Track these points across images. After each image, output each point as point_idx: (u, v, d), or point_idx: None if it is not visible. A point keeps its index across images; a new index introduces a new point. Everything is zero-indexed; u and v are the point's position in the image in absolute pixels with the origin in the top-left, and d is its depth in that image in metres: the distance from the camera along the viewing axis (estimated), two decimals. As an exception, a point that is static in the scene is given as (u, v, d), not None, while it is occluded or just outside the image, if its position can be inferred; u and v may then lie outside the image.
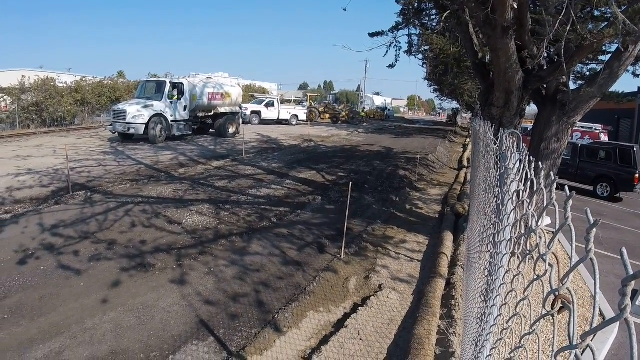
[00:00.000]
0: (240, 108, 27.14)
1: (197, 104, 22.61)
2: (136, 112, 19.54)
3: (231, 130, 25.04)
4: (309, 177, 14.46)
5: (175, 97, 21.29)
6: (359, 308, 5.70)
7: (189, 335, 4.83)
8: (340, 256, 7.51)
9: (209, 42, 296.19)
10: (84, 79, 28.30)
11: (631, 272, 0.71)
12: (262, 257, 7.30)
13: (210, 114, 24.13)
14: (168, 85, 20.96)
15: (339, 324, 5.35)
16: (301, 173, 14.98)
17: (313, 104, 52.85)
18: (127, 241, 7.49)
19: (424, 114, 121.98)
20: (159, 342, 4.67)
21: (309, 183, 13.43)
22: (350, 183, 8.33)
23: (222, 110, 24.59)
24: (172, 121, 21.09)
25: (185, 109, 21.90)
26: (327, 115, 46.92)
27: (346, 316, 5.55)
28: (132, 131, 19.61)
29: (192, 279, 6.23)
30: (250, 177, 13.64)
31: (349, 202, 7.87)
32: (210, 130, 25.18)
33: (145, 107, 19.95)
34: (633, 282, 0.70)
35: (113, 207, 9.37)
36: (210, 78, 24.96)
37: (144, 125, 19.66)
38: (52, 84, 25.11)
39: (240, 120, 26.77)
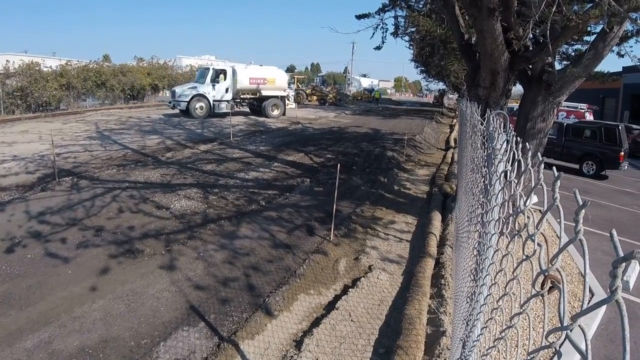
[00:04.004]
0: (285, 91, 30.00)
1: (240, 87, 26.38)
2: (182, 92, 24.38)
3: (275, 112, 28.00)
4: (297, 159, 14.43)
5: (217, 81, 25.21)
6: (350, 289, 5.74)
7: (179, 321, 4.83)
8: (330, 238, 7.53)
9: (196, 24, 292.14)
10: (69, 63, 27.82)
11: (621, 253, 0.71)
12: (252, 240, 7.29)
13: (255, 96, 27.61)
14: (211, 71, 25.23)
15: (330, 306, 5.38)
16: (289, 155, 14.93)
17: (300, 86, 52.47)
18: (114, 227, 7.43)
19: (411, 95, 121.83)
20: (150, 329, 4.66)
21: (297, 165, 13.40)
22: (339, 165, 8.32)
23: (265, 93, 27.61)
24: (214, 101, 25.25)
25: (227, 91, 25.93)
26: (315, 98, 46.71)
27: (337, 298, 5.59)
28: (177, 107, 24.49)
29: (181, 264, 6.21)
30: (238, 161, 13.57)
31: (337, 183, 7.86)
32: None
33: (190, 88, 24.71)
34: (624, 264, 0.70)
35: (100, 192, 9.28)
36: (228, 63, 27.26)
37: (187, 103, 24.17)
38: (36, 68, 24.68)
39: (286, 102, 29.59)
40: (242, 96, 27.16)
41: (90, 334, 4.49)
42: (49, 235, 6.98)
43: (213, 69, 25.52)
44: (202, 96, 24.74)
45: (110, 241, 6.85)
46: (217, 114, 25.76)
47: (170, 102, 25.17)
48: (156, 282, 5.68)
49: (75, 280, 5.58)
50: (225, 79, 25.60)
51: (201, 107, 24.69)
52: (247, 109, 28.58)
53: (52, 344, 4.31)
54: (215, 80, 25.15)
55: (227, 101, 25.94)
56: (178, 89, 24.71)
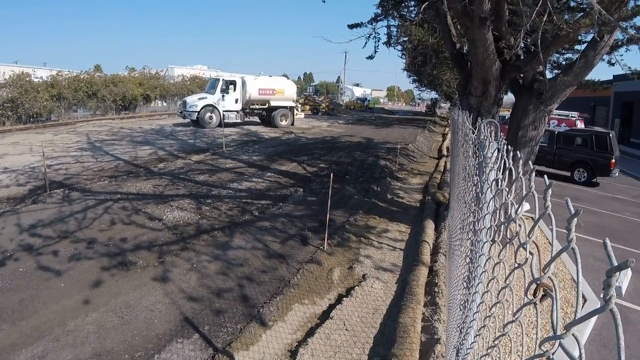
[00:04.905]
0: (295, 102, 30.78)
1: (249, 97, 27.03)
2: (192, 103, 25.19)
3: (284, 122, 28.62)
4: (290, 169, 14.43)
5: (227, 92, 25.97)
6: (344, 299, 5.72)
7: (173, 334, 4.79)
8: (324, 247, 7.52)
9: (188, 34, 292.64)
10: (60, 74, 27.67)
11: (615, 263, 0.71)
12: (245, 251, 7.27)
13: (264, 106, 28.17)
14: (221, 82, 26.06)
15: (325, 315, 5.37)
16: (282, 165, 14.94)
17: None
18: (107, 239, 7.38)
19: (404, 104, 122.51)
20: (144, 342, 4.62)
21: (291, 175, 13.40)
22: (332, 174, 8.33)
23: (274, 103, 28.28)
24: (224, 111, 25.89)
25: (236, 102, 26.66)
26: (308, 107, 46.83)
27: (331, 307, 5.57)
28: (188, 117, 25.28)
29: (174, 276, 6.17)
30: (231, 171, 13.55)
31: (330, 193, 7.87)
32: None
33: (200, 98, 25.51)
34: (617, 273, 0.70)
35: (92, 204, 9.22)
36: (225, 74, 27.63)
37: (197, 113, 24.91)
38: (27, 79, 24.50)
39: (295, 113, 30.31)
40: (251, 106, 27.73)
41: (83, 348, 4.45)
42: (41, 248, 6.92)
43: (223, 79, 26.35)
44: (212, 106, 25.53)
45: (102, 253, 6.80)
46: (227, 124, 26.05)
47: (181, 112, 25.98)
48: (149, 294, 5.64)
49: (68, 294, 5.54)
50: (235, 89, 26.33)
51: (211, 117, 25.48)
52: (256, 119, 29.27)
53: (46, 358, 4.26)
54: (225, 91, 25.90)
55: (237, 111, 26.73)
56: (189, 100, 25.58)
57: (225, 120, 25.58)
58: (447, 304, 5.13)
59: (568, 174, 17.09)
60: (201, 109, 25.01)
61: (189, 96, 27.25)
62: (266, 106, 28.16)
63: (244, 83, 26.84)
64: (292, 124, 29.12)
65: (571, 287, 6.73)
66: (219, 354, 4.45)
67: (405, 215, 10.03)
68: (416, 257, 7.16)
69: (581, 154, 16.89)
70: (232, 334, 4.87)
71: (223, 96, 25.84)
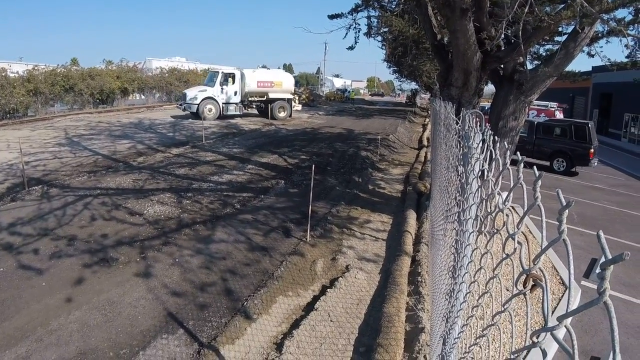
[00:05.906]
0: (292, 94, 31.07)
1: (248, 90, 27.44)
2: (192, 95, 25.44)
3: (282, 114, 28.95)
4: (271, 161, 14.37)
5: (226, 84, 26.23)
6: (328, 290, 5.74)
7: (158, 330, 4.75)
8: (306, 239, 7.53)
9: (166, 26, 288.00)
10: (36, 68, 26.95)
11: (610, 256, 0.72)
12: (228, 244, 7.23)
13: (263, 98, 28.54)
14: (220, 75, 26.29)
15: (309, 307, 5.38)
16: (263, 157, 14.87)
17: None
18: (87, 236, 7.27)
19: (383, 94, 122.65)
20: (128, 339, 4.57)
21: (272, 167, 13.35)
22: (313, 166, 8.31)
23: (272, 95, 28.62)
24: (223, 103, 26.32)
25: (235, 94, 26.95)
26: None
27: (315, 299, 5.59)
28: (188, 110, 25.50)
29: (157, 271, 6.11)
30: (212, 164, 13.45)
31: (312, 184, 7.86)
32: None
33: (200, 91, 25.72)
34: (612, 267, 0.71)
35: (71, 200, 9.06)
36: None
37: (197, 105, 25.12)
38: (3, 74, 23.79)
39: (292, 104, 30.55)
40: (250, 99, 28.19)
41: (67, 347, 4.38)
42: (21, 246, 6.78)
43: (222, 72, 26.56)
44: (211, 99, 25.85)
45: (83, 250, 6.69)
46: (227, 116, 26.84)
47: (181, 105, 26.24)
48: (132, 290, 5.58)
49: (50, 292, 5.44)
50: (233, 82, 26.67)
51: (210, 110, 25.74)
52: (255, 111, 29.71)
53: (30, 359, 4.19)
54: (224, 84, 26.21)
55: (236, 104, 27.07)
56: (189, 92, 25.86)
57: (225, 113, 26.34)
58: (431, 293, 5.18)
59: (547, 163, 17.36)
60: (201, 102, 25.23)
61: (188, 89, 27.49)
62: (264, 98, 28.47)
63: (242, 75, 27.16)
64: (290, 116, 29.48)
65: (551, 274, 6.84)
66: (204, 348, 4.43)
67: (387, 205, 10.08)
68: (399, 247, 7.21)
69: (560, 144, 17.18)
70: (217, 328, 4.85)
71: (222, 89, 26.12)
